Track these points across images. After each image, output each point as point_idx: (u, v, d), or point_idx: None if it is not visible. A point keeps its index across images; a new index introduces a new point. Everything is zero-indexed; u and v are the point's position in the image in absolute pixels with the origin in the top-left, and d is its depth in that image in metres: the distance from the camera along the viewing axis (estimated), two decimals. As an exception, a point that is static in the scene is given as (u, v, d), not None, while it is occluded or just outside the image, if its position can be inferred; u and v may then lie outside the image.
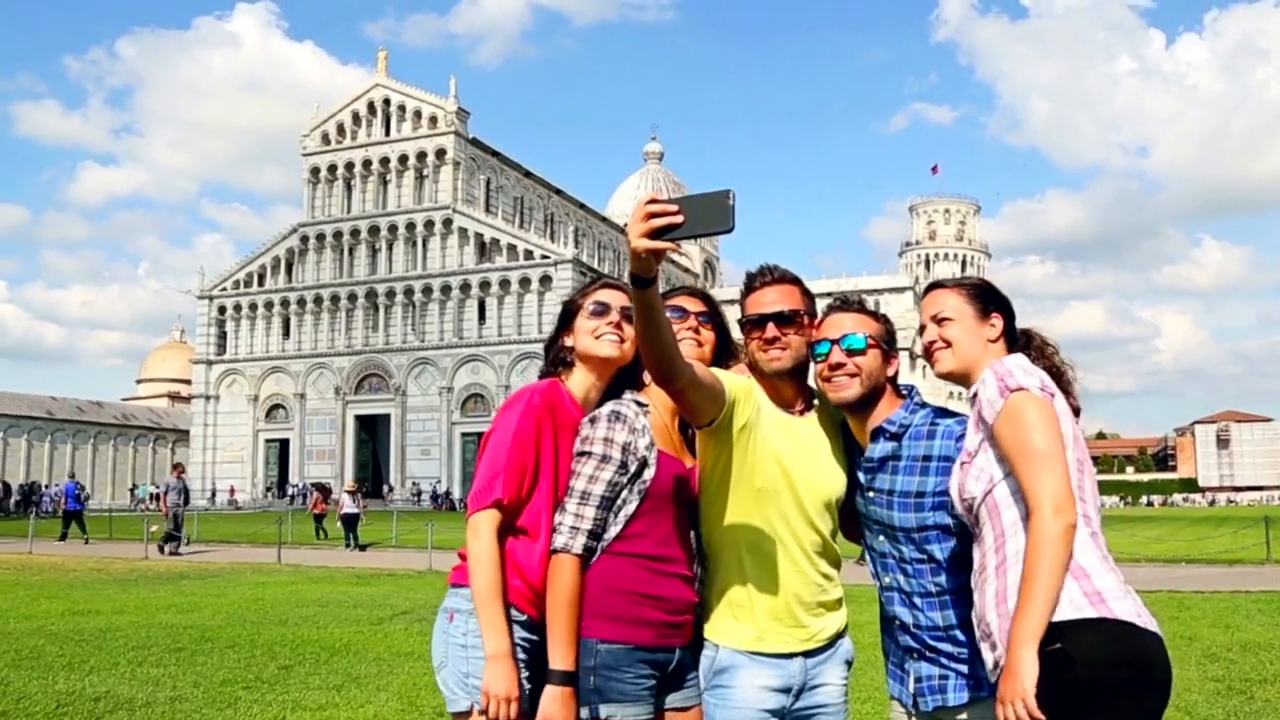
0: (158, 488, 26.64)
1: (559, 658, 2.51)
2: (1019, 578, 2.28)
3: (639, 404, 2.70)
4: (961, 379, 2.64)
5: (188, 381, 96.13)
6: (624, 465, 2.59)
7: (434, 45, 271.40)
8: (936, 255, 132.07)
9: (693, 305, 2.86)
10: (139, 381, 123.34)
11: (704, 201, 2.11)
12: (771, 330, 2.68)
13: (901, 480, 2.64)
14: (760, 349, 2.70)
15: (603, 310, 2.75)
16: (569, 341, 2.82)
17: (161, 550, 22.50)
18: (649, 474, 2.61)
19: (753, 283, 2.78)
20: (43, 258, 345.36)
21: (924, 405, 2.74)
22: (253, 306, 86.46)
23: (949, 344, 2.63)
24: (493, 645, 2.48)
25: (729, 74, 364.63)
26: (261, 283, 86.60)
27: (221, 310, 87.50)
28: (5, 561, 20.59)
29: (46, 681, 7.60)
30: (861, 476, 2.73)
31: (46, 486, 61.10)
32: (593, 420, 2.66)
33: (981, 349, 2.61)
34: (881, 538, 2.71)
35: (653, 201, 2.13)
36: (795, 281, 2.77)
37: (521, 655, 2.55)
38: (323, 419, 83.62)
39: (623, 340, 2.73)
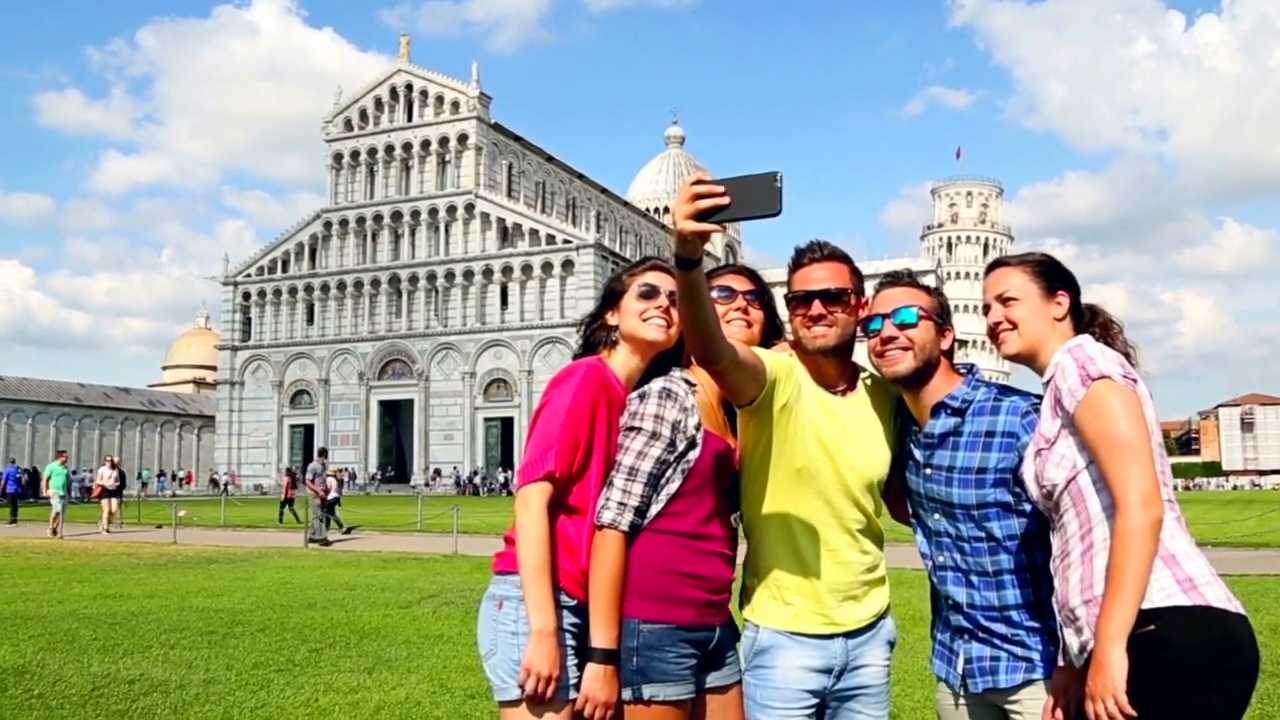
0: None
1: (601, 636, 2.50)
2: (1106, 564, 2.25)
3: (688, 382, 2.68)
4: (1028, 360, 2.59)
5: (213, 368, 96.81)
6: (672, 443, 2.58)
7: (451, 32, 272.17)
8: (958, 238, 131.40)
9: (741, 284, 2.82)
10: (165, 368, 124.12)
11: (751, 183, 2.07)
12: (817, 308, 2.63)
13: (963, 456, 2.60)
14: (804, 326, 2.66)
15: (651, 293, 2.72)
16: (613, 320, 2.79)
17: (313, 540, 20.97)
18: (694, 454, 2.60)
19: (801, 259, 2.72)
20: (67, 246, 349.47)
21: (985, 382, 2.71)
22: (277, 292, 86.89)
23: (1015, 325, 2.57)
24: (539, 621, 2.44)
25: (746, 60, 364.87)
26: (285, 269, 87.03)
27: (246, 296, 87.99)
28: (36, 546, 20.81)
29: (81, 664, 7.69)
30: (918, 453, 2.70)
31: (74, 473, 61.66)
32: (643, 396, 2.64)
33: (1048, 329, 2.56)
34: (937, 515, 2.66)
35: (698, 182, 2.09)
36: (845, 259, 2.72)
37: (570, 641, 2.54)
38: (346, 404, 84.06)
39: (669, 325, 2.70)
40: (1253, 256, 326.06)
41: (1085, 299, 2.66)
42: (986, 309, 2.66)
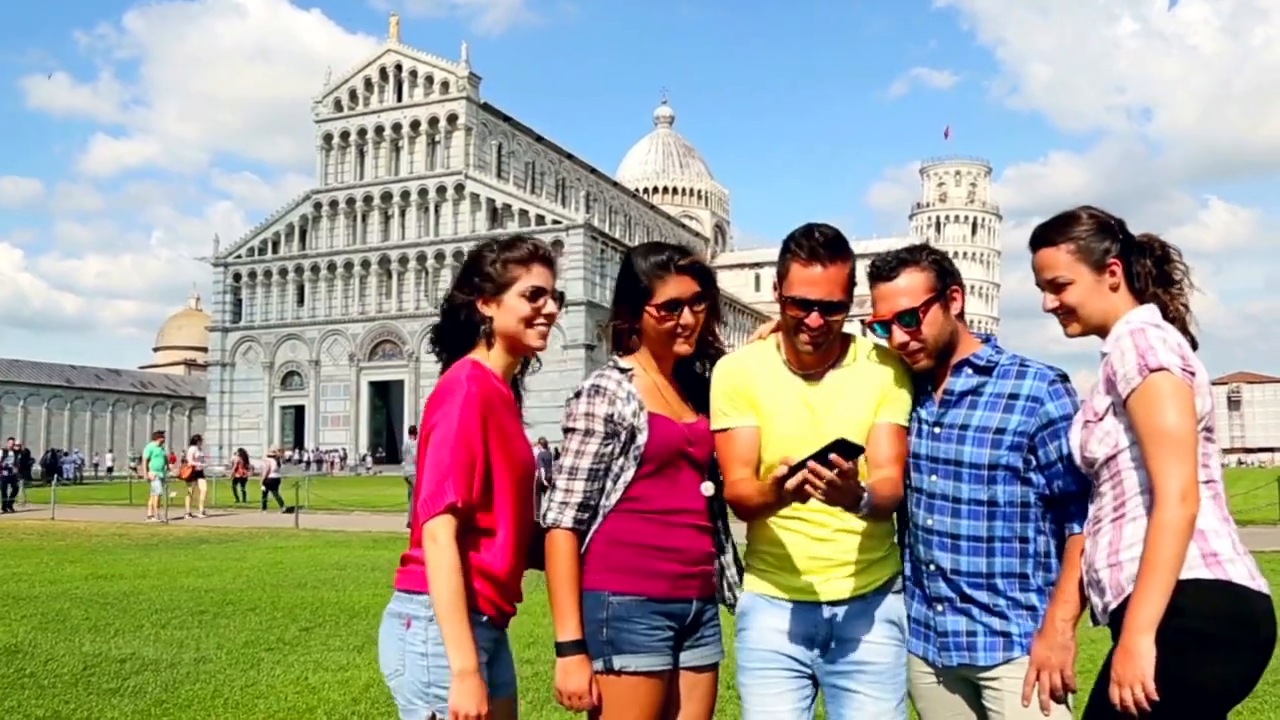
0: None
1: (564, 629, 2.54)
2: (1135, 533, 2.30)
3: (621, 370, 2.68)
4: (1097, 333, 2.52)
5: (204, 349, 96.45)
6: (609, 436, 2.59)
7: (437, 14, 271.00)
8: (947, 217, 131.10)
9: (689, 292, 2.69)
10: (156, 349, 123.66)
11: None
12: (816, 319, 2.55)
13: (980, 415, 2.59)
14: (799, 330, 2.58)
15: (538, 295, 2.59)
16: (487, 310, 2.60)
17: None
18: (641, 439, 2.60)
19: (810, 255, 2.55)
20: (57, 228, 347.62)
21: (1003, 349, 2.70)
22: (267, 274, 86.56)
23: (1073, 310, 2.52)
24: (460, 661, 2.32)
25: (733, 41, 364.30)
26: (276, 250, 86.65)
27: (236, 277, 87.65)
28: (29, 527, 20.87)
29: (73, 644, 7.75)
30: (927, 413, 2.66)
31: (66, 454, 61.62)
32: (576, 395, 2.65)
33: (1107, 302, 2.49)
34: (935, 476, 2.62)
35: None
36: (848, 257, 2.58)
37: (483, 659, 2.44)
38: (337, 385, 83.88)
39: (549, 329, 2.63)
40: (1238, 236, 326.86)
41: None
42: (1041, 286, 2.60)
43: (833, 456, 2.18)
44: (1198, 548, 2.25)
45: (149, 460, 24.43)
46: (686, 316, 2.65)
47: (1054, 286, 2.54)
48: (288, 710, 5.78)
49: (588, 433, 2.60)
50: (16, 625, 8.64)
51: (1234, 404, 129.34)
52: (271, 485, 27.21)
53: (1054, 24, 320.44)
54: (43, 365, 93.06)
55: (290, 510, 24.18)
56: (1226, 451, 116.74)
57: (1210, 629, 2.20)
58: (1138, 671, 2.16)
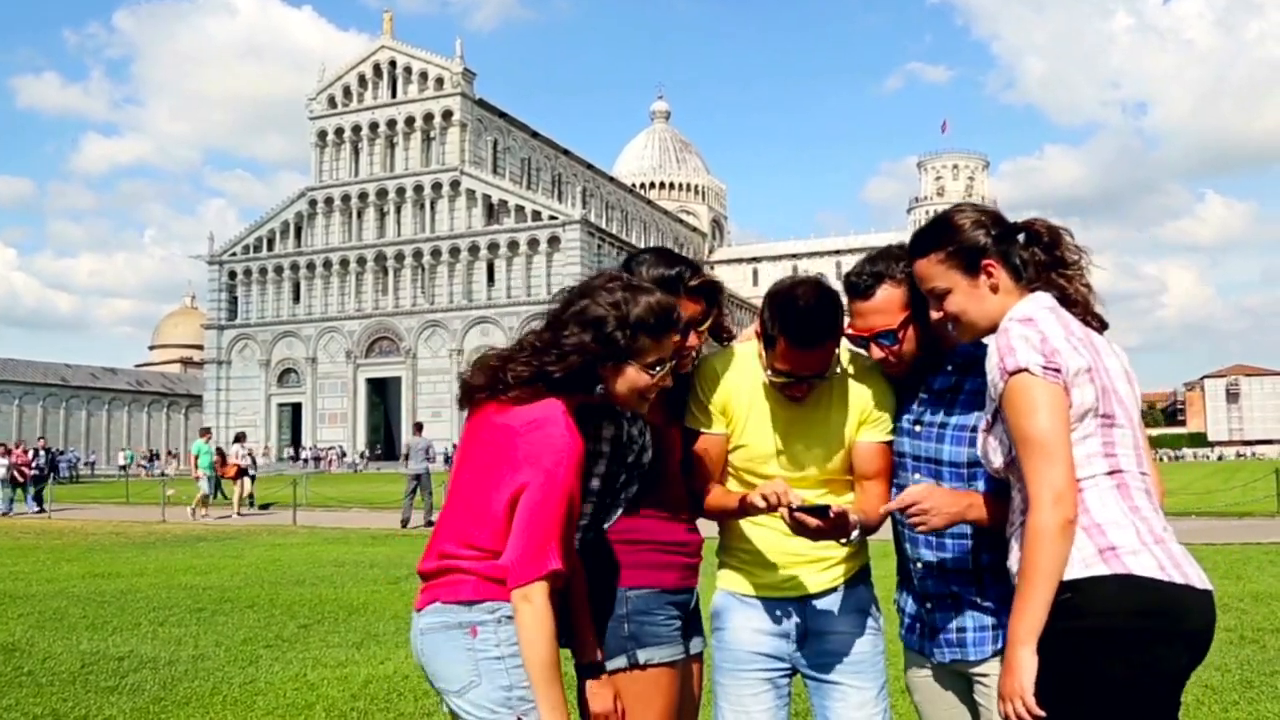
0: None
1: (584, 652, 2.49)
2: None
3: None
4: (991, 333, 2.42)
5: (200, 347, 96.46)
6: (616, 457, 2.54)
7: (430, 10, 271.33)
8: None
9: (696, 313, 2.67)
10: (151, 347, 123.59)
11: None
12: (802, 388, 2.57)
13: (958, 414, 2.56)
14: (783, 386, 2.57)
15: (659, 368, 2.41)
16: (607, 375, 2.39)
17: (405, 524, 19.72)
18: (647, 457, 2.59)
19: (801, 342, 2.49)
20: (50, 227, 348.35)
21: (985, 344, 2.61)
22: (263, 271, 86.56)
23: (957, 318, 2.43)
24: None
25: (728, 35, 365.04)
26: (271, 247, 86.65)
27: (232, 275, 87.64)
28: (26, 526, 20.86)
29: (71, 642, 7.72)
30: (909, 412, 2.64)
31: (62, 453, 61.54)
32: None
33: (991, 305, 2.39)
34: (918, 475, 2.59)
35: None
36: (840, 330, 2.55)
37: None
38: (334, 382, 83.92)
39: None
40: (1233, 229, 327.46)
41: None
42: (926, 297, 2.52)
43: (805, 517, 2.35)
44: (1094, 544, 2.16)
45: (197, 458, 23.98)
46: (691, 339, 2.61)
47: (934, 297, 2.45)
48: (286, 707, 5.75)
49: (599, 455, 2.52)
50: (14, 624, 8.60)
51: (1232, 397, 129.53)
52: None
53: (1049, 19, 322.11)
54: (38, 364, 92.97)
55: (264, 508, 24.34)
56: (1225, 444, 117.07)
57: (1112, 625, 2.11)
58: (1017, 686, 2.11)
